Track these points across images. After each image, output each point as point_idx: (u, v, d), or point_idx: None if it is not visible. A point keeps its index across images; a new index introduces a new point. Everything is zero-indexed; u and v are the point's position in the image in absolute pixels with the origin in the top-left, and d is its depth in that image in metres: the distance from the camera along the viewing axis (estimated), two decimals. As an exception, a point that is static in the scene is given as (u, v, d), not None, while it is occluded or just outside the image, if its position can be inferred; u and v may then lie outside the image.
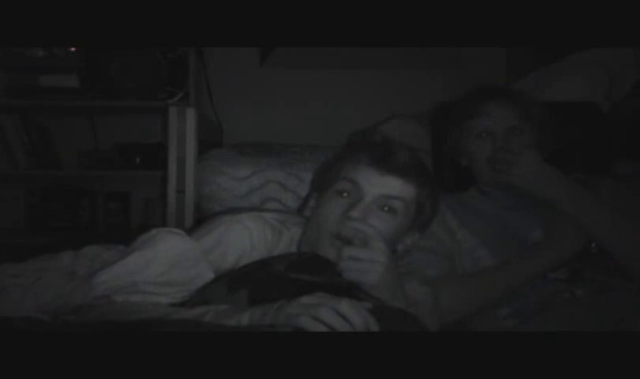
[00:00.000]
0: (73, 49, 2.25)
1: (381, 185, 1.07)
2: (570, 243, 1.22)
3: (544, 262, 1.22)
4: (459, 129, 1.39)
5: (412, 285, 1.11)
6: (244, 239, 1.07)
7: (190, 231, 1.09)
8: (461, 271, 1.30)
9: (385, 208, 1.07)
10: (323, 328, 0.79)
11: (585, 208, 1.23)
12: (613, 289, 1.20)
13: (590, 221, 1.22)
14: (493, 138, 1.33)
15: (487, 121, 1.33)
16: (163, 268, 0.98)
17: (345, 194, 1.08)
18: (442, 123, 1.48)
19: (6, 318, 0.87)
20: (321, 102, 2.60)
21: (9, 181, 2.55)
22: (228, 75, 2.56)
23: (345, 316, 0.80)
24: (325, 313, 0.80)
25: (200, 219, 1.62)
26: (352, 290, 0.94)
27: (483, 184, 1.39)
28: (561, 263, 1.23)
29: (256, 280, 0.97)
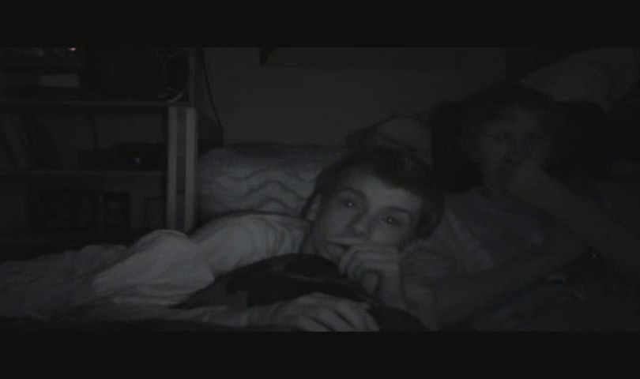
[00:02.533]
0: (73, 49, 2.25)
1: (387, 197, 1.05)
2: (571, 247, 1.22)
3: (544, 265, 1.22)
4: (477, 126, 1.38)
5: (412, 286, 1.11)
6: (245, 242, 1.07)
7: (190, 232, 1.09)
8: (462, 272, 1.30)
9: (390, 220, 1.06)
10: (322, 329, 0.79)
11: (581, 218, 1.23)
12: (613, 292, 1.20)
13: (586, 231, 1.22)
14: (511, 141, 1.32)
15: (508, 124, 1.32)
16: (162, 270, 0.97)
17: (350, 204, 1.06)
18: (453, 120, 1.47)
19: (6, 318, 0.87)
20: (321, 102, 2.60)
21: (9, 181, 2.54)
22: (228, 75, 2.56)
23: (344, 316, 0.80)
24: (323, 314, 0.80)
25: (200, 220, 1.62)
26: (350, 291, 0.94)
27: (489, 185, 1.39)
28: (560, 267, 1.23)
29: (255, 281, 0.97)
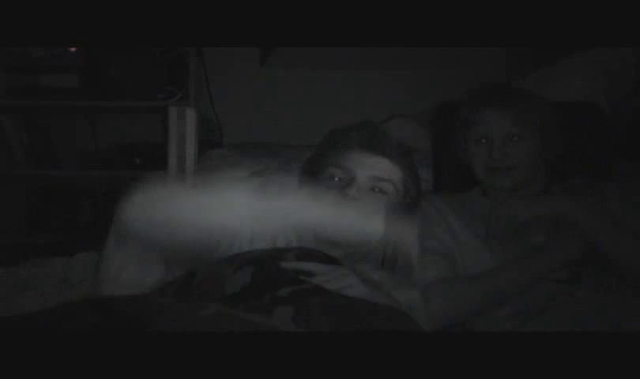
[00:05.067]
0: (73, 49, 2.25)
1: (371, 167, 1.10)
2: (572, 247, 1.22)
3: (545, 265, 1.22)
4: (462, 131, 1.39)
5: (400, 292, 1.10)
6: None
7: None
8: (463, 272, 1.29)
9: (377, 189, 1.10)
10: None
11: (586, 219, 1.23)
12: (613, 290, 1.20)
13: (591, 232, 1.22)
14: (490, 144, 1.32)
15: (484, 128, 1.33)
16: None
17: (337, 179, 1.11)
18: (447, 125, 1.47)
19: (6, 318, 0.87)
20: (321, 102, 2.59)
21: (9, 181, 2.54)
22: (228, 75, 2.56)
23: None
24: None
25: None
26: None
27: (484, 187, 1.40)
28: (561, 266, 1.23)
29: (263, 260, 0.98)
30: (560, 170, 1.39)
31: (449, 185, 1.49)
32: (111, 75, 2.19)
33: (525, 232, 1.27)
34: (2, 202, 2.55)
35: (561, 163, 1.39)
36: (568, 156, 1.40)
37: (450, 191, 1.43)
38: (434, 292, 1.18)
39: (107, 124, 2.56)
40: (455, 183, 1.48)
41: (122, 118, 2.55)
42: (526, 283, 1.22)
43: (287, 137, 1.93)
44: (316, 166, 1.16)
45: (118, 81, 2.20)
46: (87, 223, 2.53)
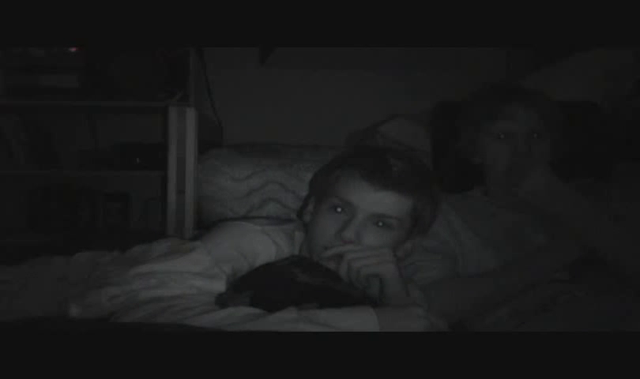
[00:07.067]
0: (73, 49, 2.25)
1: (374, 203, 1.05)
2: (574, 246, 1.22)
3: (547, 266, 1.22)
4: (476, 127, 1.36)
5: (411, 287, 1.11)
6: (271, 252, 1.08)
7: (208, 235, 1.10)
8: (465, 272, 1.29)
9: (380, 224, 1.06)
10: None
11: (591, 223, 1.22)
12: (613, 290, 1.20)
13: (594, 236, 1.21)
14: (514, 141, 1.31)
15: (509, 123, 1.30)
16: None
17: (339, 209, 1.07)
18: (453, 120, 1.45)
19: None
20: (321, 102, 2.59)
21: (9, 181, 2.54)
22: (228, 75, 2.56)
23: None
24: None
25: (200, 220, 1.62)
26: (347, 294, 0.96)
27: (494, 186, 1.38)
28: (563, 266, 1.23)
29: (260, 281, 0.98)
30: (562, 172, 1.39)
31: (450, 184, 1.48)
32: (111, 75, 2.19)
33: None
34: (2, 202, 2.55)
35: (563, 165, 1.39)
36: (569, 157, 1.40)
37: (451, 190, 1.43)
38: (434, 292, 1.18)
39: (107, 124, 2.56)
40: (456, 182, 1.48)
41: (122, 118, 2.55)
42: (527, 283, 1.22)
43: (287, 137, 1.93)
44: (325, 184, 1.13)
45: (118, 81, 2.19)
46: (87, 223, 2.53)
